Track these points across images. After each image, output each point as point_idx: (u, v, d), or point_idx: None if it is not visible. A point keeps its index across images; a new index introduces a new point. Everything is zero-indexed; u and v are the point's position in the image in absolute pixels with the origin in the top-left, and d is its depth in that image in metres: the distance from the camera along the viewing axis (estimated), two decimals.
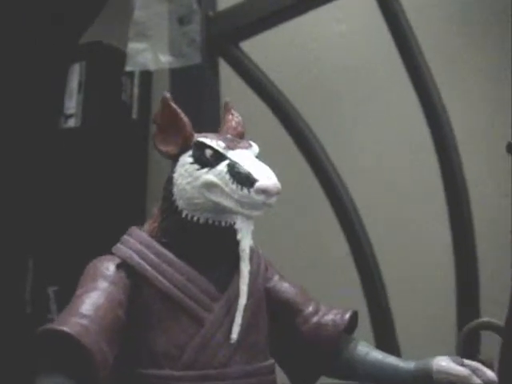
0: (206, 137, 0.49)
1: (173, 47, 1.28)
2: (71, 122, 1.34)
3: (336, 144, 1.31)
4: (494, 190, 1.23)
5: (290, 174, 1.33)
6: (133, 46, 1.28)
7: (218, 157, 0.47)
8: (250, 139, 0.53)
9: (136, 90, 1.42)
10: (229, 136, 0.50)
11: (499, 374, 0.64)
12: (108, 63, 1.37)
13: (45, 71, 1.31)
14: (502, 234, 1.03)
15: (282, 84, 1.30)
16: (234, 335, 0.47)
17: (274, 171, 0.48)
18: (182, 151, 0.49)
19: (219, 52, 1.34)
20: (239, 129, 0.52)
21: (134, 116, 1.42)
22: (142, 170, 1.42)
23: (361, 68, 1.38)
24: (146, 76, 1.43)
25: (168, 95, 0.49)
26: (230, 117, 0.52)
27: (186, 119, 0.49)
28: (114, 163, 1.35)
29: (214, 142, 0.48)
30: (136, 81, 1.42)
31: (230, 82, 1.35)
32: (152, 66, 1.29)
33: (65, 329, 0.41)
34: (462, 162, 1.16)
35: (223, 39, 1.32)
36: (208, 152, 0.48)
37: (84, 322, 0.43)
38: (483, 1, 1.30)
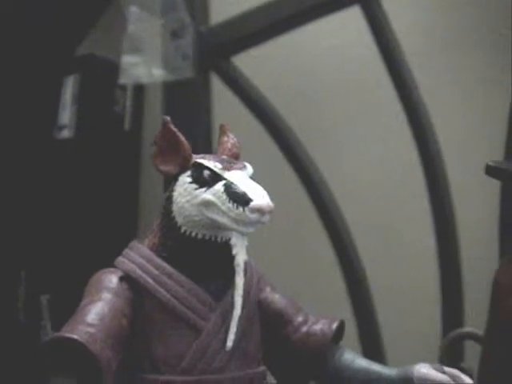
0: (204, 158, 0.52)
1: (166, 61, 1.29)
2: (65, 133, 1.36)
3: (325, 156, 1.33)
4: (478, 195, 1.26)
5: (279, 186, 1.35)
6: (126, 60, 1.30)
7: (215, 177, 0.50)
8: (241, 151, 0.56)
9: (129, 102, 1.44)
10: (225, 157, 0.53)
11: (478, 382, 0.67)
12: (101, 75, 1.39)
13: (39, 83, 1.33)
14: (487, 242, 1.06)
15: (274, 97, 1.32)
16: (230, 343, 0.50)
17: (263, 183, 0.51)
18: (181, 171, 0.52)
19: (211, 66, 1.36)
20: (234, 150, 0.55)
21: (127, 127, 1.44)
22: (134, 180, 1.45)
23: (351, 81, 1.40)
24: (139, 89, 1.45)
25: (168, 118, 0.52)
26: (226, 139, 0.55)
27: (185, 141, 0.51)
28: (107, 173, 1.37)
29: (212, 163, 0.51)
30: (129, 93, 1.44)
31: (221, 95, 1.37)
32: (145, 80, 1.31)
33: (74, 336, 0.44)
34: (445, 171, 1.19)
35: (215, 53, 1.34)
36: (206, 172, 0.51)
37: (91, 330, 0.45)
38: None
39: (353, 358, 0.55)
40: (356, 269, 1.24)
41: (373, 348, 1.17)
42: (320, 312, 0.58)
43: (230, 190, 0.49)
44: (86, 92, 1.37)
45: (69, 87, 1.38)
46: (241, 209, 0.48)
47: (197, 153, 0.54)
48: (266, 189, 0.50)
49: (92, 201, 1.33)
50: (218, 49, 1.34)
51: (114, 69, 1.31)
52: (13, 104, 1.28)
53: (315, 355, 0.54)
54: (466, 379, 0.53)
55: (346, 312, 1.21)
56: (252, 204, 0.47)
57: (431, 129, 1.20)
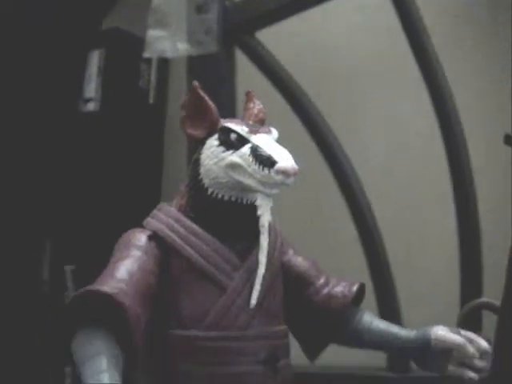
0: (231, 122, 0.53)
1: (190, 35, 1.30)
2: (90, 106, 1.37)
3: (347, 131, 1.34)
4: (496, 174, 1.27)
5: (302, 160, 1.36)
6: (151, 34, 1.31)
7: (242, 140, 0.52)
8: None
9: (153, 76, 1.45)
10: (251, 122, 0.54)
11: (495, 350, 0.69)
12: (126, 49, 1.39)
13: (65, 57, 1.34)
14: (505, 214, 1.07)
15: (295, 72, 1.33)
16: (253, 301, 0.51)
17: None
18: (209, 135, 0.54)
19: (235, 41, 1.36)
20: (260, 115, 0.56)
21: (151, 101, 1.44)
22: (158, 152, 1.46)
23: (374, 57, 1.40)
24: (163, 63, 1.45)
25: (197, 83, 0.53)
26: (252, 105, 0.57)
27: (212, 106, 0.53)
28: (131, 145, 1.38)
29: (239, 127, 0.52)
30: (153, 67, 1.45)
31: (245, 69, 1.38)
32: (170, 54, 1.31)
33: (106, 289, 0.45)
34: (467, 150, 1.19)
35: (239, 29, 1.35)
36: (233, 136, 0.52)
37: (120, 285, 0.47)
38: None
39: (372, 319, 0.57)
40: (375, 239, 1.25)
41: (391, 319, 1.19)
42: None
43: (256, 152, 0.50)
44: (111, 66, 1.38)
45: (94, 61, 1.38)
46: (266, 171, 0.49)
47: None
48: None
49: (117, 172, 1.34)
50: (242, 24, 1.35)
51: (138, 43, 1.32)
52: (41, 78, 1.30)
53: (336, 316, 0.56)
54: (482, 342, 0.54)
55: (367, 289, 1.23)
56: (277, 166, 0.49)
57: (453, 104, 1.21)
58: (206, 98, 0.53)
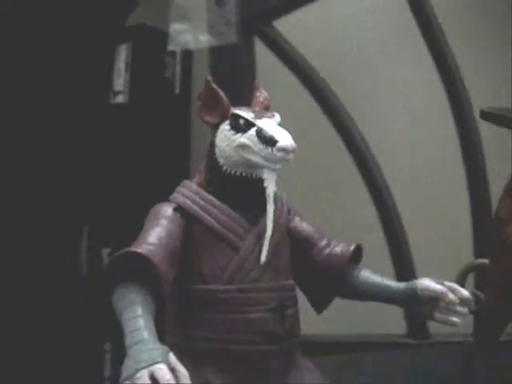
0: (240, 109, 0.62)
1: (211, 27, 1.36)
2: (119, 98, 1.43)
3: (365, 117, 1.40)
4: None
5: (319, 143, 1.44)
6: (174, 27, 1.37)
7: (249, 124, 0.60)
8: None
9: (178, 68, 1.50)
10: (257, 108, 0.63)
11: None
12: (152, 43, 1.45)
13: (95, 52, 1.40)
14: None
15: (313, 60, 1.40)
16: (263, 258, 0.60)
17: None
18: (221, 121, 0.62)
19: (254, 31, 1.43)
20: (266, 102, 0.65)
21: (177, 91, 1.50)
22: (185, 139, 1.51)
23: (391, 43, 1.45)
24: (187, 54, 1.50)
25: (210, 78, 0.62)
26: (258, 93, 0.65)
27: (224, 96, 0.62)
28: (160, 134, 1.44)
29: (246, 113, 0.61)
30: (178, 59, 1.50)
31: (265, 58, 1.45)
32: (192, 46, 1.38)
33: (139, 250, 0.54)
34: (479, 133, 1.25)
35: (257, 19, 1.41)
36: (241, 121, 0.60)
37: (151, 247, 0.56)
38: None
39: (369, 275, 0.66)
40: (395, 223, 1.32)
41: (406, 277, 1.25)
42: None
43: (260, 134, 0.59)
44: (138, 59, 1.43)
45: (122, 55, 1.44)
46: (269, 149, 0.58)
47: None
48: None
49: (147, 159, 1.40)
50: (259, 14, 1.41)
51: (163, 37, 1.39)
52: (73, 72, 1.35)
53: (336, 273, 0.65)
54: (464, 291, 0.62)
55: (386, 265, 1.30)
56: (278, 145, 0.58)
57: (463, 85, 1.27)
58: (218, 89, 0.62)
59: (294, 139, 0.59)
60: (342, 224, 1.40)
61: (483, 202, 1.25)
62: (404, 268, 1.29)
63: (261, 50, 1.44)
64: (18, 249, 1.28)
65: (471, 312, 0.83)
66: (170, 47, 1.38)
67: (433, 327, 1.31)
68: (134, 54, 1.44)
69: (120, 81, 1.44)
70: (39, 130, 1.33)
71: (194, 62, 1.55)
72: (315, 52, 1.42)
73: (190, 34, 1.38)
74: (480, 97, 1.26)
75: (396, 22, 1.42)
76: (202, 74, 1.48)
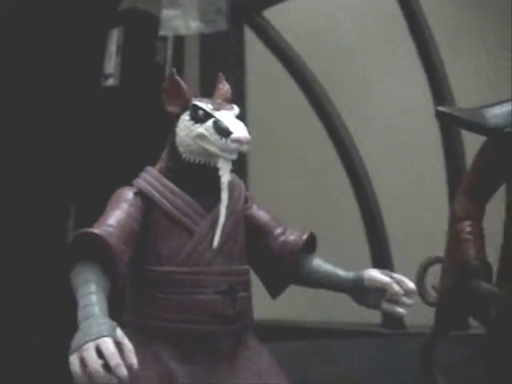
0: (200, 101, 0.64)
1: (201, 14, 1.38)
2: (111, 81, 1.45)
3: (348, 104, 1.42)
4: None
5: (304, 131, 1.46)
6: (166, 13, 1.39)
7: (207, 115, 0.63)
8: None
9: (169, 53, 1.51)
10: (219, 100, 0.65)
11: None
12: (143, 28, 1.47)
13: (87, 36, 1.42)
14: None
15: (301, 48, 1.42)
16: (215, 243, 0.63)
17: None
18: (183, 111, 0.65)
19: (244, 19, 1.45)
20: (227, 95, 0.67)
21: (167, 76, 1.53)
22: (172, 123, 1.54)
23: (380, 33, 1.47)
24: (179, 39, 1.50)
25: (174, 70, 0.65)
26: (221, 86, 0.68)
27: (185, 88, 0.64)
28: (149, 116, 1.43)
29: (205, 105, 0.63)
30: (169, 44, 1.50)
31: (253, 45, 1.47)
32: (183, 32, 1.40)
33: (95, 231, 0.58)
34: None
35: (247, 8, 1.44)
36: (200, 112, 0.63)
37: (108, 228, 0.59)
38: None
39: (320, 263, 0.68)
40: (374, 214, 1.35)
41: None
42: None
43: (216, 125, 0.61)
44: (130, 43, 1.45)
45: (114, 39, 1.46)
46: (224, 140, 0.61)
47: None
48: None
49: (135, 141, 1.42)
50: (250, 3, 1.44)
51: (154, 22, 1.41)
52: (65, 56, 1.37)
53: (289, 260, 0.67)
54: (409, 283, 0.65)
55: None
56: (232, 136, 0.60)
57: (448, 85, 1.29)
58: (180, 81, 0.64)
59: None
60: (326, 220, 1.44)
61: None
62: (381, 261, 1.32)
63: (250, 39, 1.47)
64: (5, 228, 1.31)
65: (429, 304, 0.86)
66: (161, 32, 1.40)
67: (409, 319, 1.34)
68: (125, 38, 1.45)
69: (111, 64, 1.46)
70: (30, 111, 1.35)
71: (186, 48, 1.55)
72: (303, 42, 1.43)
73: (181, 20, 1.40)
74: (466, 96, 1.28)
75: (386, 14, 1.43)
76: (194, 60, 1.51)
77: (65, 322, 1.29)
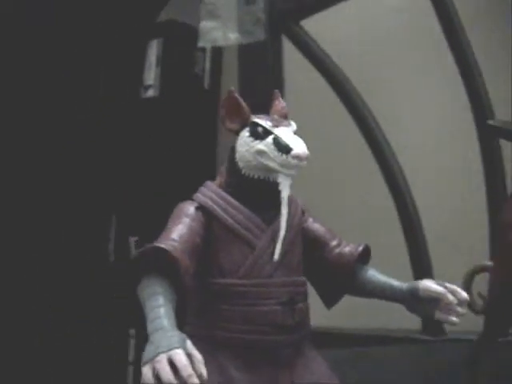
0: (259, 118, 0.66)
1: (240, 25, 1.40)
2: (150, 92, 1.47)
3: (385, 112, 1.43)
4: None
5: (343, 139, 1.47)
6: (204, 25, 1.41)
7: (267, 132, 0.64)
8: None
9: (208, 64, 1.54)
10: (275, 116, 0.67)
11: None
12: (182, 39, 1.49)
13: (127, 48, 1.45)
14: None
15: (339, 58, 1.43)
16: (276, 256, 0.64)
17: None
18: (242, 128, 0.66)
19: (282, 29, 1.47)
20: (283, 111, 0.69)
21: (206, 86, 1.54)
22: (213, 132, 1.54)
23: (416, 45, 1.47)
24: (217, 51, 1.54)
25: (233, 89, 0.66)
26: (277, 102, 0.69)
27: (245, 105, 0.66)
28: (188, 127, 1.48)
29: (264, 122, 0.65)
30: (208, 55, 1.53)
31: (292, 55, 1.48)
32: (221, 43, 1.42)
33: (162, 245, 0.59)
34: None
35: (285, 18, 1.45)
36: (260, 129, 0.65)
37: (173, 243, 0.60)
38: None
39: (374, 274, 0.70)
40: (411, 211, 1.35)
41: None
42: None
43: (276, 141, 0.63)
44: (169, 55, 1.47)
45: (153, 50, 1.48)
46: (284, 156, 0.62)
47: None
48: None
49: (175, 151, 1.44)
50: (287, 14, 1.45)
51: (193, 33, 1.43)
52: (106, 68, 1.41)
53: (345, 271, 0.69)
54: (462, 293, 0.66)
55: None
56: (293, 152, 0.62)
57: (485, 88, 1.29)
58: (240, 99, 0.66)
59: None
60: (365, 223, 1.45)
61: (501, 203, 1.27)
62: (421, 266, 1.32)
63: (288, 48, 1.48)
64: (49, 237, 1.34)
65: (476, 312, 0.87)
66: (200, 44, 1.42)
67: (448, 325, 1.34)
68: (164, 50, 1.47)
69: (151, 75, 1.48)
70: (73, 121, 1.38)
71: (224, 59, 1.58)
72: (340, 51, 1.45)
73: (219, 31, 1.41)
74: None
75: (422, 22, 1.44)
76: (232, 70, 1.53)
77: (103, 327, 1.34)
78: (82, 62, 1.38)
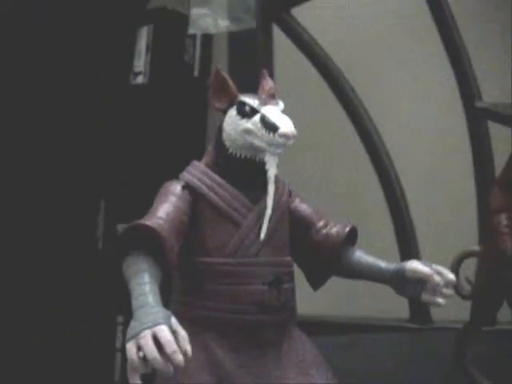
0: (246, 96, 0.66)
1: (231, 13, 1.39)
2: (139, 79, 1.46)
3: (375, 100, 1.43)
4: None
5: (332, 128, 1.48)
6: (195, 11, 1.41)
7: (254, 111, 0.64)
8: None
9: (198, 51, 1.52)
10: (263, 96, 0.67)
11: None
12: (172, 26, 1.48)
13: (117, 34, 1.43)
14: None
15: (329, 47, 1.43)
16: (262, 235, 0.64)
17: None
18: (229, 106, 0.66)
19: (272, 18, 1.46)
20: (271, 91, 0.68)
21: (196, 74, 1.52)
22: (202, 120, 1.53)
23: (409, 33, 1.47)
24: (207, 38, 1.52)
25: (220, 66, 0.66)
26: (265, 82, 0.69)
27: (231, 84, 0.66)
28: (178, 114, 1.47)
29: (251, 100, 0.65)
30: (198, 42, 1.52)
31: (282, 44, 1.48)
32: (212, 30, 1.41)
33: (147, 223, 0.59)
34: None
35: (275, 6, 1.45)
36: (247, 107, 0.65)
37: (159, 221, 0.60)
38: None
39: (362, 255, 0.70)
40: (402, 207, 1.36)
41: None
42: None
43: (264, 120, 0.63)
44: (159, 42, 1.46)
45: (143, 37, 1.47)
46: (271, 134, 0.62)
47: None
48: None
49: (164, 137, 1.43)
50: (278, 2, 1.45)
51: (184, 20, 1.42)
52: (96, 54, 1.39)
53: (332, 252, 0.69)
54: (449, 274, 0.66)
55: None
56: (279, 131, 0.62)
57: (474, 78, 1.29)
58: (227, 77, 0.66)
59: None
60: (351, 207, 1.45)
61: (489, 188, 1.28)
62: (408, 251, 1.33)
63: (278, 36, 1.48)
64: (37, 223, 1.33)
65: (463, 297, 0.87)
66: (191, 31, 1.42)
67: (435, 313, 1.35)
68: (154, 36, 1.46)
69: (140, 62, 1.47)
70: (60, 107, 1.36)
71: (214, 46, 1.57)
72: (331, 40, 1.44)
73: (210, 18, 1.41)
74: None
75: (413, 8, 1.43)
76: (222, 58, 1.53)
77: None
78: (71, 48, 1.37)
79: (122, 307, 1.36)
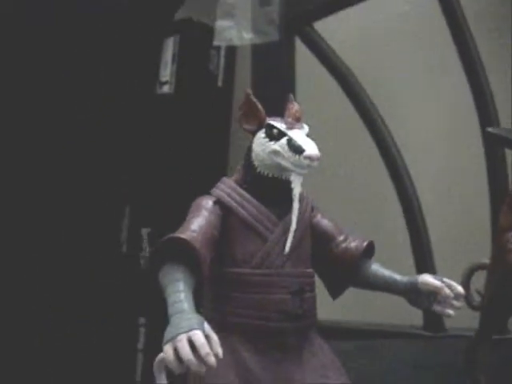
0: (274, 120, 0.70)
1: (255, 25, 1.43)
2: (165, 89, 1.52)
3: (396, 116, 1.46)
4: None
5: (352, 141, 1.51)
6: (220, 24, 1.45)
7: (281, 134, 0.69)
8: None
9: (222, 62, 1.58)
10: (289, 119, 0.71)
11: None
12: (198, 37, 1.53)
13: (144, 44, 1.49)
14: None
15: (351, 61, 1.46)
16: (287, 249, 0.69)
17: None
18: (258, 129, 0.71)
19: (295, 31, 1.50)
20: (297, 115, 0.72)
21: (220, 84, 1.58)
22: (226, 129, 1.59)
23: (428, 46, 1.50)
24: (231, 49, 1.58)
25: (249, 91, 0.71)
26: (291, 106, 0.73)
27: (261, 108, 0.71)
28: (202, 123, 1.52)
29: (279, 124, 0.70)
30: (222, 53, 1.58)
31: (305, 56, 1.52)
32: (236, 42, 1.45)
33: (183, 236, 0.64)
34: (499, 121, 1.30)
35: (299, 19, 1.48)
36: (275, 130, 0.69)
37: (193, 234, 0.65)
38: None
39: (378, 268, 0.75)
40: (416, 214, 1.39)
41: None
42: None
43: (290, 143, 0.68)
44: (185, 52, 1.51)
45: (169, 48, 1.52)
46: (297, 156, 0.67)
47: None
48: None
49: (189, 146, 1.48)
50: (301, 15, 1.49)
51: (209, 32, 1.46)
52: (123, 64, 1.44)
53: (350, 265, 0.74)
54: (458, 287, 0.71)
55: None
56: (305, 153, 0.67)
57: (490, 90, 1.32)
58: (257, 102, 0.71)
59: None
60: (370, 222, 1.49)
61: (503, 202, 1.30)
62: (424, 263, 1.36)
63: (300, 49, 1.52)
64: (62, 227, 1.37)
65: (473, 308, 0.92)
66: (216, 42, 1.45)
67: (449, 321, 1.38)
68: (180, 47, 1.52)
69: (166, 72, 1.52)
70: (87, 115, 1.41)
71: (238, 58, 1.63)
72: (352, 54, 1.48)
73: (234, 30, 1.45)
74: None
75: (435, 26, 1.44)
76: (245, 69, 1.57)
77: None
78: (101, 58, 1.42)
79: (144, 309, 1.41)
